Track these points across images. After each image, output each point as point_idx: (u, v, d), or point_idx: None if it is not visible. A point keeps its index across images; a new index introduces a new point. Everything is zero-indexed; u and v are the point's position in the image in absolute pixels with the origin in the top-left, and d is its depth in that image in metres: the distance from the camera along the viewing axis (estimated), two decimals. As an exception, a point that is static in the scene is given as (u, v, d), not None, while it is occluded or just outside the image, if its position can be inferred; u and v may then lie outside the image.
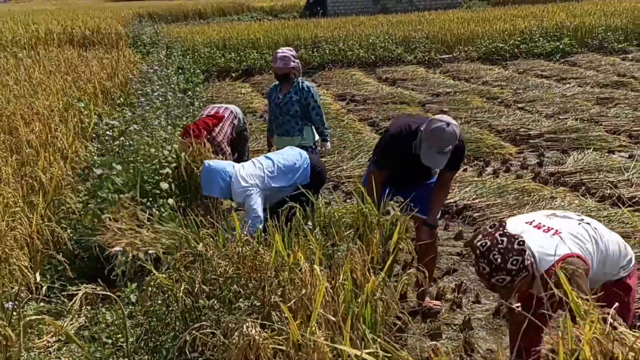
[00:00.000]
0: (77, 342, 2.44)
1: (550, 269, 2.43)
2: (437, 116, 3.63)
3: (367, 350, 1.83)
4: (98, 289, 2.92)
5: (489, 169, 6.86)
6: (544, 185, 5.99)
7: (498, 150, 7.36)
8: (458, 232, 5.15)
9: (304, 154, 4.42)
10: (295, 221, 2.82)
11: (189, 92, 8.81)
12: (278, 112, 5.18)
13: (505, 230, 2.48)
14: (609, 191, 5.76)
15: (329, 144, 5.34)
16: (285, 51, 5.15)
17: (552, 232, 2.59)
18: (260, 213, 3.98)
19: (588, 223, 2.72)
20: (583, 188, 5.94)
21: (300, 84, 5.14)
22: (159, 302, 2.81)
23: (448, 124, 3.51)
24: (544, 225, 2.64)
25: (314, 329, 2.01)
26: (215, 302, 2.49)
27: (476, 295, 4.12)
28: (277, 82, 5.27)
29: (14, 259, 2.84)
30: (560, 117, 8.59)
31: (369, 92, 10.94)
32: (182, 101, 6.60)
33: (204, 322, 2.29)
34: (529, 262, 2.42)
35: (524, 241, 2.44)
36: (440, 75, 12.62)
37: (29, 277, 3.01)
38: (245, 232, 3.08)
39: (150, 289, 2.70)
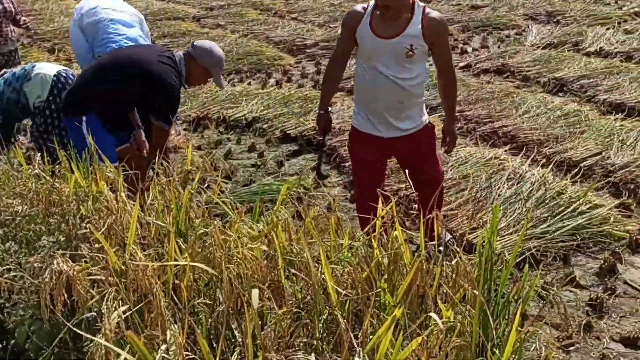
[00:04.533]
0: None
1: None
2: (199, 43, 3.72)
3: (192, 263, 1.88)
4: None
5: (272, 81, 7.06)
6: (324, 92, 6.35)
7: (278, 61, 7.58)
8: (251, 144, 5.30)
9: None
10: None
11: None
12: None
13: None
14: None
15: None
16: None
17: None
18: None
19: None
20: (358, 91, 6.43)
21: None
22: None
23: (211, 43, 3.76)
24: None
25: (132, 252, 1.99)
26: (13, 244, 2.30)
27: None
28: None
29: None
30: (331, 25, 9.03)
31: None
32: None
33: (9, 266, 2.12)
34: None
35: None
36: (212, -12, 12.32)
37: None
38: None
39: None
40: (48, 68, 3.87)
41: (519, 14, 9.36)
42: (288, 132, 5.45)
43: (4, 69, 4.53)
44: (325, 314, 1.70)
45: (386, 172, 3.39)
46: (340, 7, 10.08)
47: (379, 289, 1.72)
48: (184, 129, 5.67)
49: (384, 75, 3.03)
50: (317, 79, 6.93)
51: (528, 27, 8.65)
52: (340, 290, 1.71)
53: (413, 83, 3.06)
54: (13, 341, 2.22)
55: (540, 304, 3.10)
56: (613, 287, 3.22)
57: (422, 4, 3.01)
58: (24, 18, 5.60)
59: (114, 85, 3.41)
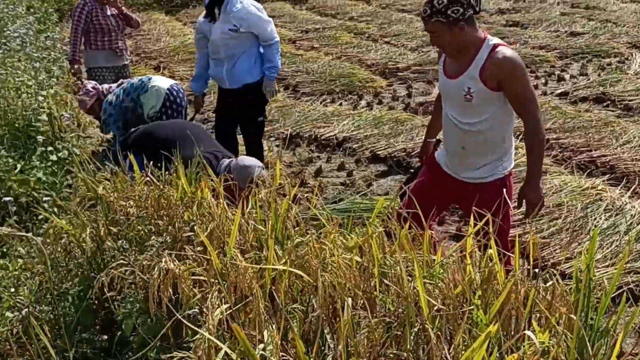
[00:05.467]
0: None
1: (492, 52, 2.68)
2: (242, 158, 3.49)
3: (290, 269, 1.96)
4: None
5: (363, 102, 7.17)
6: (415, 115, 6.39)
7: (370, 83, 7.69)
8: (340, 163, 5.40)
9: None
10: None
11: (46, 34, 8.15)
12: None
13: None
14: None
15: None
16: None
17: None
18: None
19: None
20: (449, 115, 6.42)
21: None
22: (59, 249, 2.74)
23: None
24: None
25: (233, 255, 2.10)
26: (125, 242, 2.49)
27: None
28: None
29: None
30: (424, 50, 9.07)
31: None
32: (42, 43, 6.13)
33: (121, 261, 2.29)
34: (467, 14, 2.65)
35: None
36: (307, 12, 12.71)
37: None
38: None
39: (52, 234, 2.62)
40: (162, 81, 4.17)
41: (622, 42, 9.02)
42: (378, 152, 5.51)
43: (121, 79, 4.90)
44: (417, 327, 1.73)
45: (441, 209, 3.08)
46: (434, 31, 10.09)
47: (472, 306, 1.74)
48: (276, 146, 5.87)
49: (448, 116, 2.85)
50: (408, 102, 6.97)
51: (632, 56, 8.31)
52: (433, 302, 1.74)
53: (476, 129, 2.78)
54: (119, 333, 2.40)
55: (637, 341, 2.96)
56: None
57: (494, 41, 2.73)
58: (133, 16, 5.87)
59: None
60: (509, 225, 2.90)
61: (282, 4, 13.26)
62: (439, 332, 1.65)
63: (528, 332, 1.52)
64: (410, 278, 1.88)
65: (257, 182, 2.79)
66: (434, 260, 2.00)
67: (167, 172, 2.80)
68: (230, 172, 3.39)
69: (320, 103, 7.15)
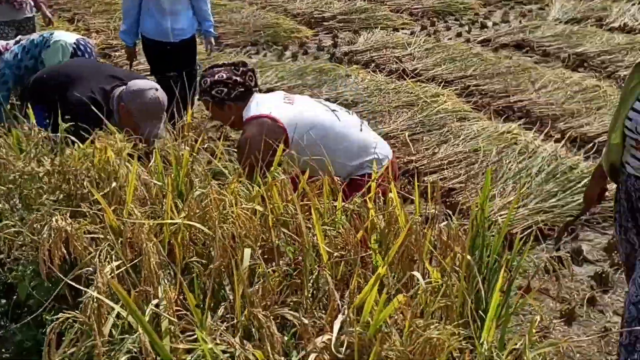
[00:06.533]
0: None
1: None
2: (133, 83, 3.13)
3: (185, 221, 1.89)
4: None
5: (288, 53, 7.02)
6: (339, 65, 6.33)
7: (295, 34, 7.53)
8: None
9: None
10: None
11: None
12: None
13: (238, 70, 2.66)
14: (395, 66, 6.28)
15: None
16: None
17: (288, 102, 2.65)
18: None
19: (336, 111, 2.69)
20: (373, 64, 6.39)
21: None
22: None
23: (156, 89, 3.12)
24: (290, 99, 2.69)
25: (130, 210, 2.01)
26: (18, 201, 2.35)
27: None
28: None
29: None
30: (350, -1, 8.93)
31: None
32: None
33: (7, 222, 2.16)
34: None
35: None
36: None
37: None
38: None
39: None
40: (67, 36, 3.89)
41: (542, -13, 9.15)
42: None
43: (20, 36, 4.53)
44: (315, 274, 1.71)
45: None
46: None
47: (370, 251, 1.72)
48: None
49: None
50: (334, 51, 6.89)
51: (552, 2, 8.46)
52: (331, 251, 1.71)
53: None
54: (15, 297, 2.28)
55: (545, 277, 3.08)
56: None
57: (246, 116, 2.61)
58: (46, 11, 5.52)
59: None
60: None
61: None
62: (338, 280, 1.63)
63: (415, 272, 1.52)
64: (311, 226, 1.85)
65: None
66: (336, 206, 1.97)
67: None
68: (123, 100, 3.09)
69: (245, 54, 6.97)
